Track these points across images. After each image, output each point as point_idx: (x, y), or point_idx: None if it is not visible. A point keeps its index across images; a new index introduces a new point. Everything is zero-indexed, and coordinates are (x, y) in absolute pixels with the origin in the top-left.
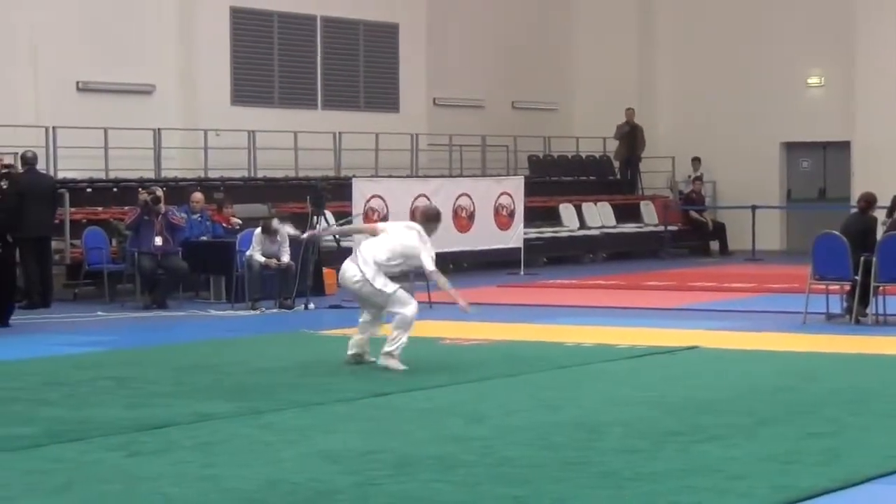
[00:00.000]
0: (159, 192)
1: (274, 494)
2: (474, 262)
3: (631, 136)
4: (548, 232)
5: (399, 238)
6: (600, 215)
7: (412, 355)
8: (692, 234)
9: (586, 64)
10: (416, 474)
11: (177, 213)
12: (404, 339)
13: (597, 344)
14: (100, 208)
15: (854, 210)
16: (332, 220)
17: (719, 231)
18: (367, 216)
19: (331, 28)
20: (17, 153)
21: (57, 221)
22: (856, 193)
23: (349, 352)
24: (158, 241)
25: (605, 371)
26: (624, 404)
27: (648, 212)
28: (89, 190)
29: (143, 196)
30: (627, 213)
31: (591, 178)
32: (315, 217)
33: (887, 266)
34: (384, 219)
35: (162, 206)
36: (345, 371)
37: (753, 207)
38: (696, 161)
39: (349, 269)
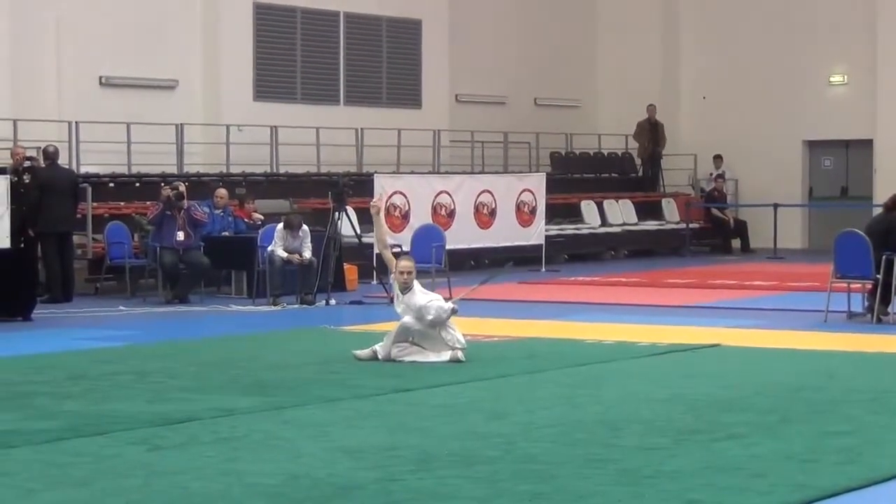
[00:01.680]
0: (182, 188)
1: (295, 489)
2: (495, 259)
3: (653, 133)
4: (569, 229)
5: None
6: (622, 212)
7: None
8: (714, 232)
9: (609, 61)
10: (437, 470)
11: (199, 207)
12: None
13: (618, 341)
14: (122, 203)
15: (878, 209)
16: (353, 216)
17: (741, 229)
18: (389, 213)
19: (354, 24)
20: (39, 147)
21: (79, 216)
22: (878, 192)
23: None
24: (180, 236)
25: (626, 368)
26: (645, 402)
27: (670, 209)
28: (111, 185)
29: (166, 191)
30: (649, 210)
31: (613, 175)
32: (336, 213)
33: None
34: (405, 216)
35: (185, 202)
36: (365, 367)
37: (775, 205)
38: (718, 158)
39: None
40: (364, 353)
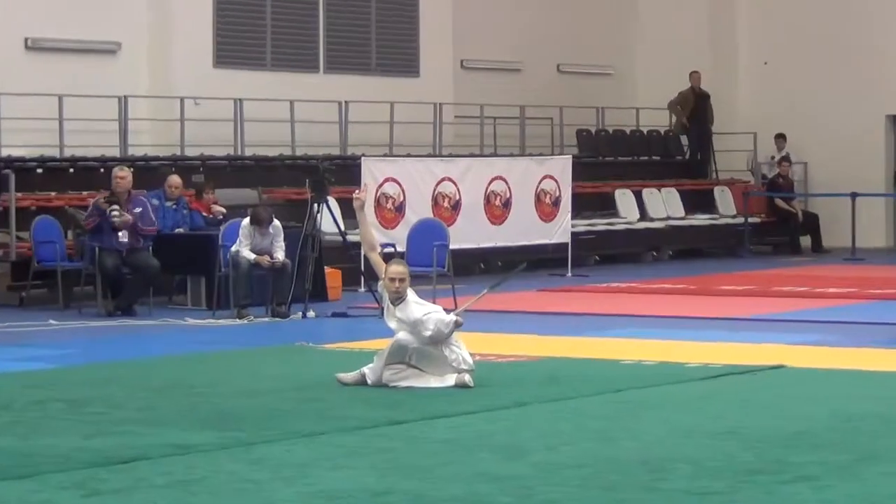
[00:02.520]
0: (116, 215)
1: None
2: (509, 261)
3: (699, 106)
4: (600, 224)
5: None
6: (665, 204)
7: None
8: (778, 228)
9: (649, 18)
10: None
11: (149, 213)
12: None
13: (660, 362)
14: (52, 193)
15: None
16: (336, 209)
17: (811, 224)
18: (379, 204)
19: None
20: None
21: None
22: None
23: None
24: (124, 236)
25: (671, 395)
26: (694, 436)
27: (724, 200)
28: (40, 171)
29: (100, 201)
30: (699, 201)
31: (654, 157)
32: (316, 205)
33: None
34: (399, 208)
35: (121, 218)
36: (352, 394)
37: (853, 195)
38: (781, 138)
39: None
40: (350, 376)
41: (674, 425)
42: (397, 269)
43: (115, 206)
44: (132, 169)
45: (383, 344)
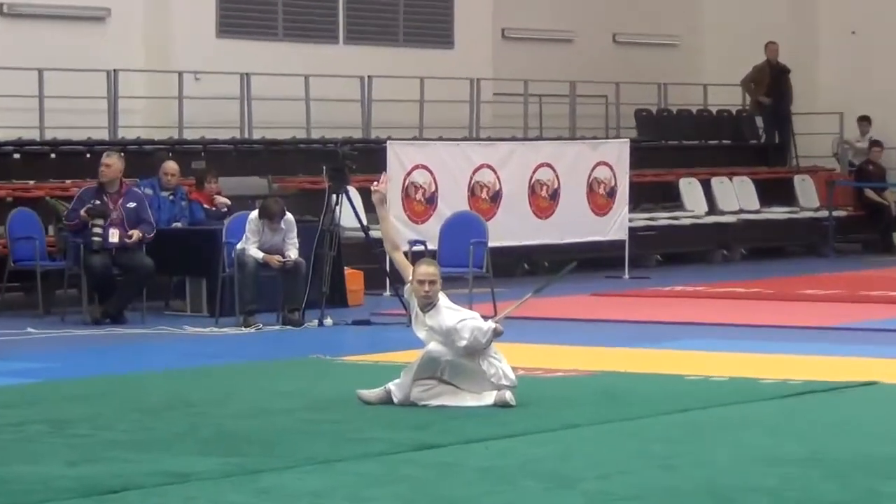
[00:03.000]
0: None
1: None
2: (559, 261)
3: (776, 83)
4: (663, 218)
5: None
6: (737, 195)
7: None
8: (868, 223)
9: None
10: None
11: (142, 191)
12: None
13: (732, 377)
14: (31, 182)
15: None
16: (358, 200)
17: None
18: (408, 195)
19: None
20: None
21: None
22: None
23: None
24: (114, 235)
25: (745, 416)
26: (771, 463)
27: (806, 190)
28: (17, 156)
29: (82, 213)
30: (776, 191)
31: (725, 142)
32: (335, 196)
33: None
34: (430, 200)
35: (99, 238)
36: (375, 414)
37: None
38: (865, 121)
39: None
40: (373, 394)
41: (746, 450)
42: (427, 270)
43: (99, 222)
44: (123, 154)
45: (412, 357)
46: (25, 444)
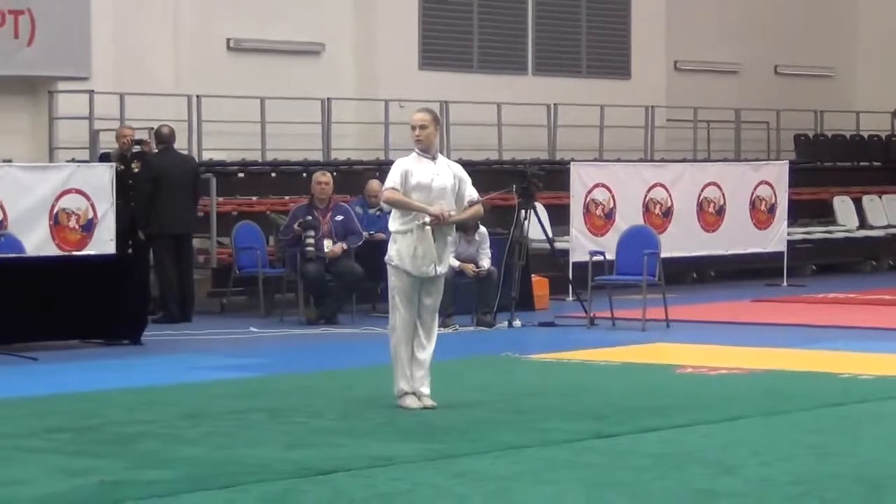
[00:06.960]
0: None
1: None
2: (723, 270)
3: None
4: (818, 232)
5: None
6: (886, 211)
7: (640, 385)
8: None
9: (871, 15)
10: None
11: (350, 208)
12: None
13: (880, 376)
14: (254, 198)
15: None
16: (544, 215)
17: None
18: (588, 211)
19: None
20: (151, 129)
21: (200, 214)
22: None
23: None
24: (327, 245)
25: (892, 410)
26: None
27: None
28: (241, 175)
29: (295, 226)
30: None
31: (875, 163)
32: (523, 211)
33: None
34: (608, 215)
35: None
36: (556, 405)
37: None
38: None
39: None
40: (407, 402)
41: (893, 441)
42: (418, 115)
43: (311, 234)
44: (334, 174)
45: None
46: (247, 431)
